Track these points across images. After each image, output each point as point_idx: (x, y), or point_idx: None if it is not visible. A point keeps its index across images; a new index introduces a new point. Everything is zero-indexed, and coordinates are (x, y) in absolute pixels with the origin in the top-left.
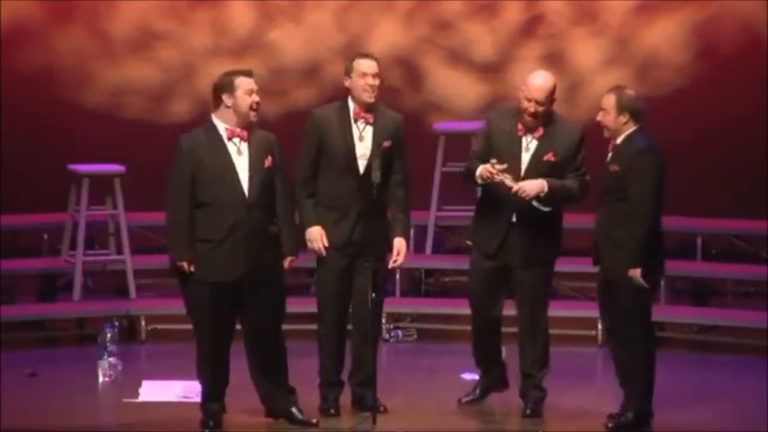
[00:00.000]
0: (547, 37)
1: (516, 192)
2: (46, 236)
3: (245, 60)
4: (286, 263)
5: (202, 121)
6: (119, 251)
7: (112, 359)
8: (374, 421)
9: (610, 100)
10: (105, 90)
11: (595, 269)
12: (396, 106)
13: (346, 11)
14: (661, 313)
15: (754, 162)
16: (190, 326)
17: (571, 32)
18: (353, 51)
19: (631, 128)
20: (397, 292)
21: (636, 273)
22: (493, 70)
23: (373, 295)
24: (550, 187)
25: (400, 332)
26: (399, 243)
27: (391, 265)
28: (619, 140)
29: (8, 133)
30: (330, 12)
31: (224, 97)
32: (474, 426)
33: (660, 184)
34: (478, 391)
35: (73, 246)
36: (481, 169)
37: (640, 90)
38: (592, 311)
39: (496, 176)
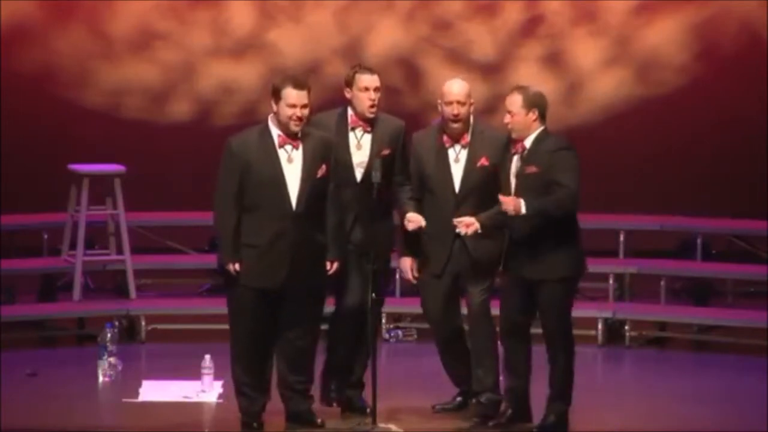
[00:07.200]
0: (547, 37)
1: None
2: (46, 236)
3: (245, 60)
4: (330, 268)
5: (201, 120)
6: (119, 251)
7: (112, 359)
8: (374, 421)
9: (515, 99)
10: (105, 90)
11: (590, 269)
12: (396, 106)
13: (346, 11)
14: (661, 313)
15: (754, 162)
16: (190, 326)
17: (571, 32)
18: (353, 51)
19: (539, 128)
20: (397, 292)
21: (519, 206)
22: (493, 70)
23: (374, 295)
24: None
25: (400, 332)
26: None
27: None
28: (527, 142)
29: (8, 133)
30: (330, 12)
31: (272, 102)
32: (474, 426)
33: (579, 180)
34: (458, 400)
35: (73, 246)
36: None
37: (640, 90)
38: (591, 311)
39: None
